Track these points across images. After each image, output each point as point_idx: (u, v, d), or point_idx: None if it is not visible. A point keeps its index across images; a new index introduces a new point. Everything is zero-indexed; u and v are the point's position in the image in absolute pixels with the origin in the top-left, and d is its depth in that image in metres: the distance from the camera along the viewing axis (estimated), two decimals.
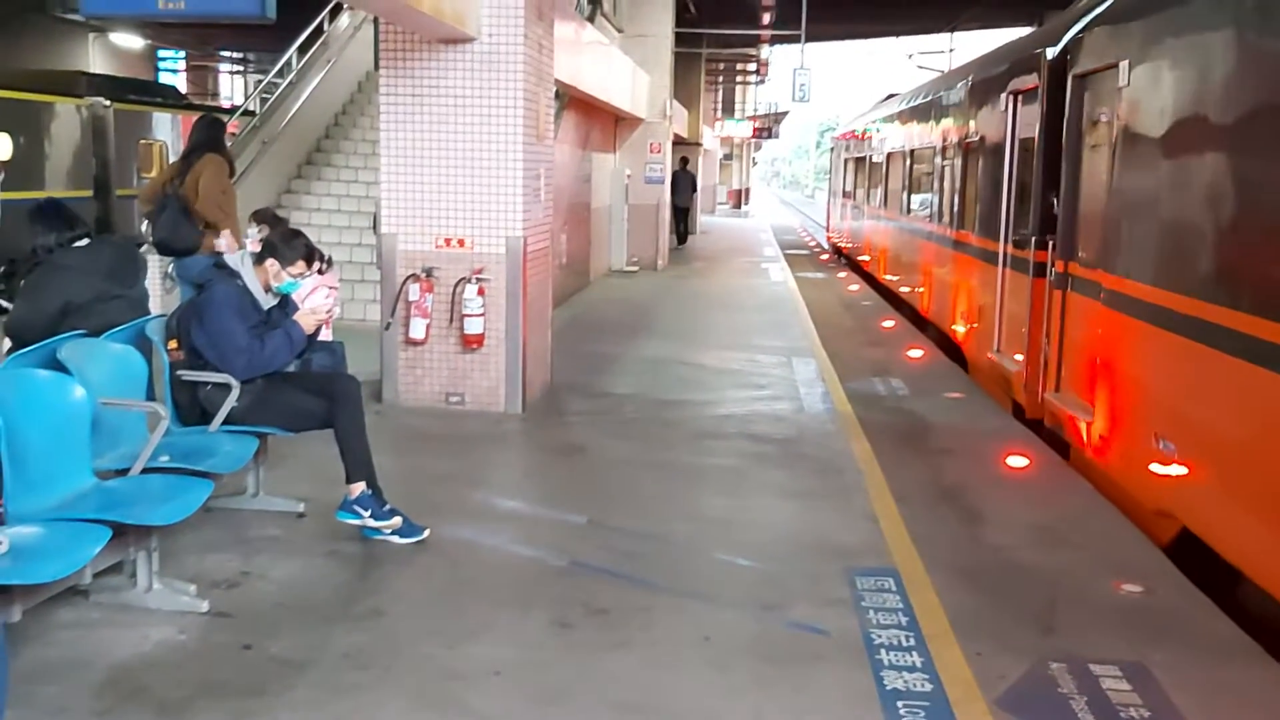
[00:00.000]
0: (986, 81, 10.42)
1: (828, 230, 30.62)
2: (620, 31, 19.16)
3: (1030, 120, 8.52)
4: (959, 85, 11.87)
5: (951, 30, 27.71)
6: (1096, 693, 4.00)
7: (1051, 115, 7.88)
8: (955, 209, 11.53)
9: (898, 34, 33.53)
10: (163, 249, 8.13)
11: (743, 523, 5.91)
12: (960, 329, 11.11)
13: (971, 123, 10.89)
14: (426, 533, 5.36)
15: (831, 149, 30.51)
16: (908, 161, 15.25)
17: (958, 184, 11.36)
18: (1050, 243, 7.78)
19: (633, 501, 6.23)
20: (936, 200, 12.72)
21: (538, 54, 8.17)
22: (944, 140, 12.35)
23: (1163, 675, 4.14)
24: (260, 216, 7.82)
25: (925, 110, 13.92)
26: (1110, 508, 6.31)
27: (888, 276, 17.22)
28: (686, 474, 6.85)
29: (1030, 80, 8.54)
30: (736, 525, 5.86)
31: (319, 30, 14.63)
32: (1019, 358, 8.56)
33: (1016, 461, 7.19)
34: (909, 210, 15.13)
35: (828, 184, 33.05)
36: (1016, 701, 3.93)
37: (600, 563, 5.21)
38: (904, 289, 15.36)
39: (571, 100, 14.28)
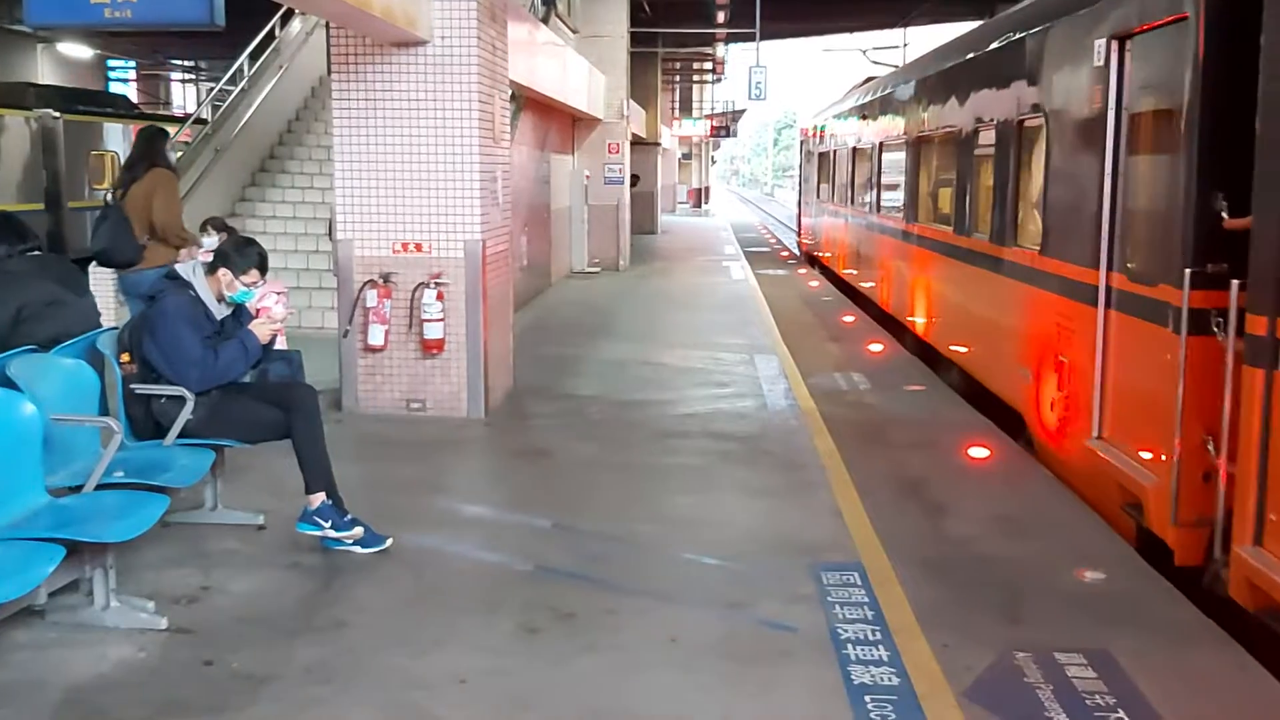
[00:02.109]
0: (1058, 29, 7.10)
1: (799, 236, 26.39)
2: (575, 32, 19.13)
3: (1163, 78, 5.55)
4: (1001, 42, 8.43)
5: (905, 26, 27.88)
6: (1062, 681, 4.02)
7: (1220, 64, 5.01)
8: (999, 218, 8.27)
9: (851, 30, 33.72)
10: (102, 260, 7.90)
11: (708, 521, 5.90)
12: (1014, 386, 7.85)
13: (1029, 92, 7.59)
14: (389, 542, 5.31)
15: (801, 143, 25.45)
16: (913, 153, 11.72)
17: (1002, 182, 8.19)
18: (1235, 283, 4.64)
19: (598, 503, 6.21)
20: (965, 205, 9.39)
21: (491, 56, 8.13)
22: (977, 121, 9.01)
23: (1127, 661, 4.17)
24: (214, 224, 7.71)
25: (944, 82, 10.36)
26: (1070, 496, 6.35)
27: (878, 293, 13.97)
28: (651, 474, 6.84)
29: (1163, 11, 5.49)
30: (702, 524, 5.85)
31: (270, 36, 14.50)
32: (1147, 459, 5.60)
33: (978, 453, 7.23)
34: (915, 217, 11.68)
35: (797, 183, 28.44)
36: (983, 692, 3.95)
37: (566, 566, 5.18)
38: (911, 316, 11.79)
39: (528, 102, 14.23)
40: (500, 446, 7.58)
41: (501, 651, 4.27)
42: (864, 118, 15.29)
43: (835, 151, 18.47)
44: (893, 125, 13.05)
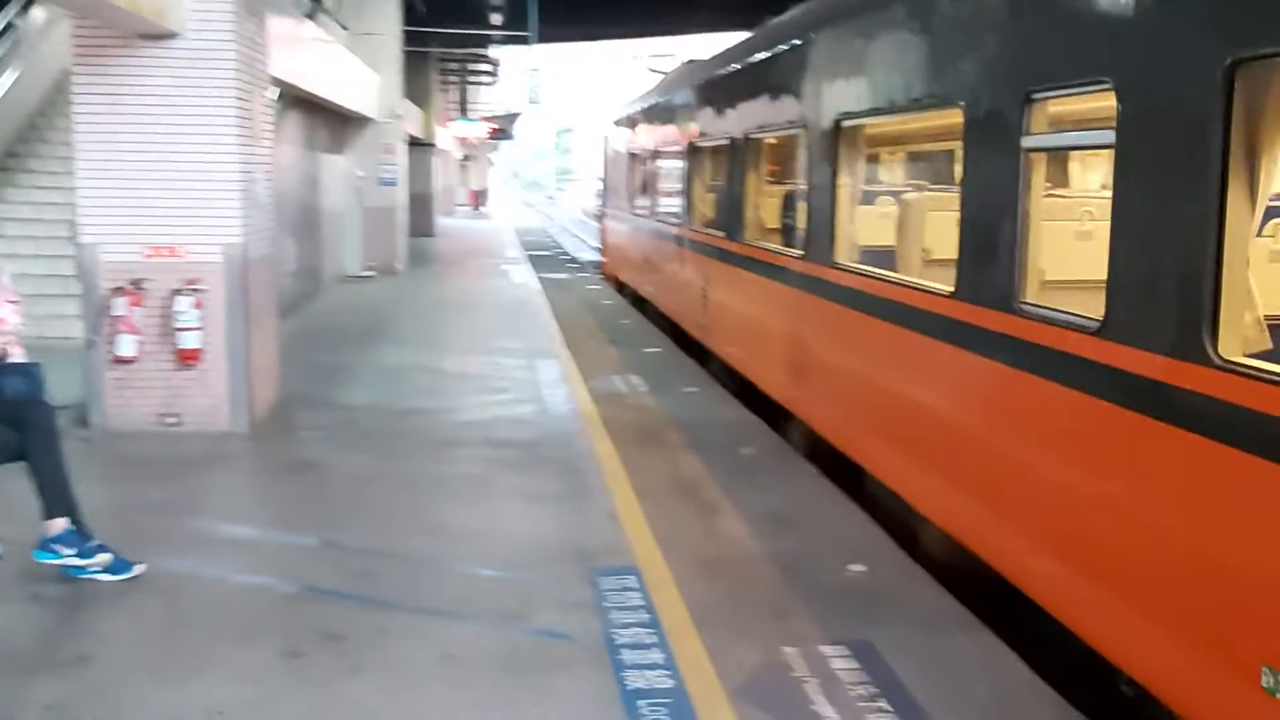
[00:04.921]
0: None
1: (603, 258, 20.60)
2: (346, 29, 18.57)
3: None
4: None
5: (679, 34, 28.47)
6: (828, 674, 4.14)
7: None
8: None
9: (626, 36, 34.18)
10: None
11: (485, 532, 5.80)
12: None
13: None
14: (140, 568, 4.96)
15: (605, 141, 19.47)
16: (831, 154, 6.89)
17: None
18: None
19: (369, 518, 6.00)
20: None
21: (250, 51, 7.76)
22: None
23: (888, 651, 4.33)
24: None
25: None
26: (836, 492, 6.58)
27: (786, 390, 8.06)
28: (427, 485, 6.67)
29: None
30: (479, 535, 5.74)
31: (10, 26, 13.41)
32: None
33: (749, 451, 7.41)
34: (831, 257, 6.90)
35: (602, 189, 20.98)
36: (754, 690, 4.02)
37: (334, 585, 4.98)
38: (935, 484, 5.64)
39: (294, 99, 13.71)
40: (264, 461, 7.24)
41: (262, 679, 4.05)
42: (722, 102, 10.32)
43: (666, 151, 13.37)
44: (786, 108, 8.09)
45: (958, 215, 5.20)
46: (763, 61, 8.88)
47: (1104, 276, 3.94)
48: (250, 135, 7.71)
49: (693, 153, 11.69)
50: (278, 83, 10.37)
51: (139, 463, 6.91)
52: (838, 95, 6.94)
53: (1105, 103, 3.99)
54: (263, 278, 8.08)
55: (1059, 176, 6.49)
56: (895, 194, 7.97)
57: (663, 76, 16.55)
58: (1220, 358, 3.33)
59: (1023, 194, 4.56)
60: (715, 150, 10.95)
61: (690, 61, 13.78)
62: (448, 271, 21.25)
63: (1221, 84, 3.31)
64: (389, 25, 20.44)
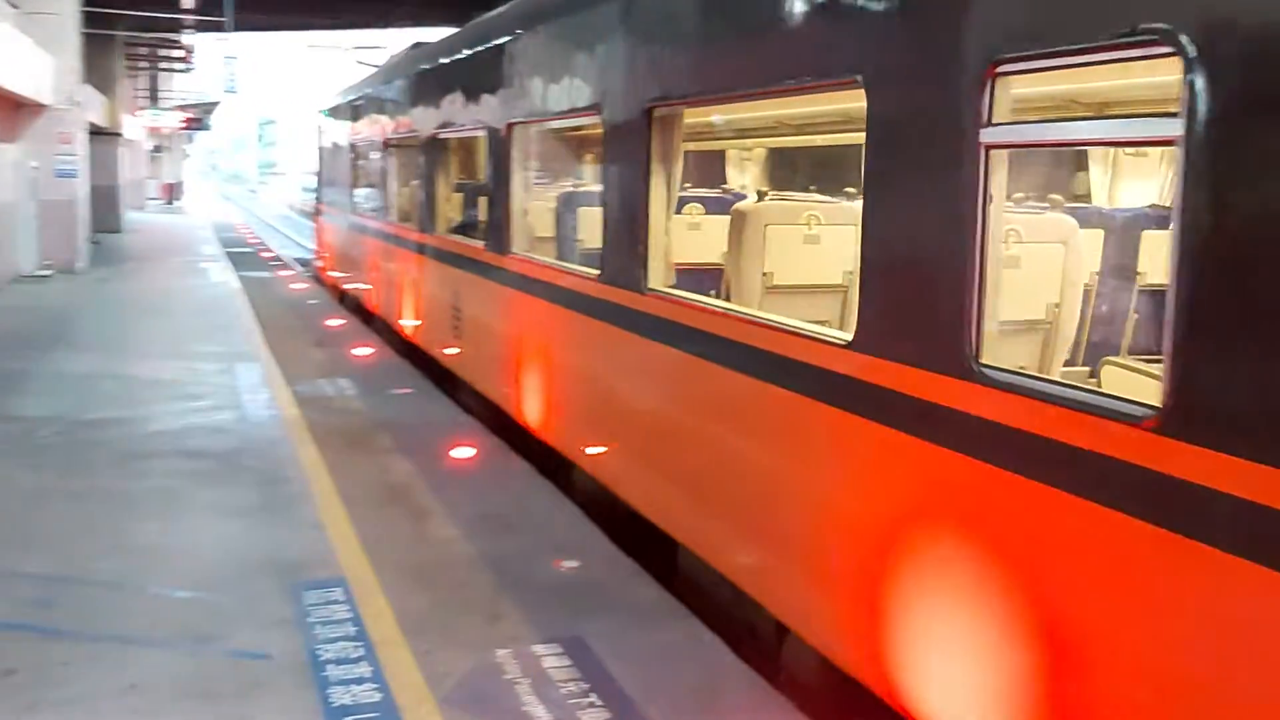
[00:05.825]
0: None
1: (320, 260, 18.28)
2: (15, 7, 16.98)
3: None
4: None
5: (385, 26, 27.88)
6: (539, 673, 4.16)
7: None
8: None
9: (330, 27, 33.16)
10: None
11: (177, 550, 5.45)
12: None
13: None
14: None
15: (320, 131, 17.43)
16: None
17: None
18: None
19: (44, 540, 5.52)
20: None
21: None
22: None
23: (599, 646, 4.40)
24: None
25: None
26: (551, 489, 6.62)
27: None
28: (112, 502, 6.20)
29: None
30: (170, 554, 5.39)
31: None
32: None
33: (463, 453, 7.34)
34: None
35: (317, 184, 18.69)
36: (464, 696, 3.98)
37: (3, 617, 4.54)
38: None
39: None
40: None
41: None
42: (476, 86, 8.39)
43: (401, 144, 11.43)
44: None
45: (850, 234, 3.83)
46: (533, 31, 6.97)
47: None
48: None
49: (435, 146, 9.73)
50: None
51: None
52: (649, 71, 5.14)
53: (1156, 75, 2.79)
54: None
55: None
56: (732, 201, 6.18)
57: (379, 66, 15.12)
58: None
59: (983, 208, 3.07)
60: (466, 143, 9.62)
61: (418, 44, 12.21)
62: (138, 270, 19.85)
63: None
64: (64, 5, 18.88)
